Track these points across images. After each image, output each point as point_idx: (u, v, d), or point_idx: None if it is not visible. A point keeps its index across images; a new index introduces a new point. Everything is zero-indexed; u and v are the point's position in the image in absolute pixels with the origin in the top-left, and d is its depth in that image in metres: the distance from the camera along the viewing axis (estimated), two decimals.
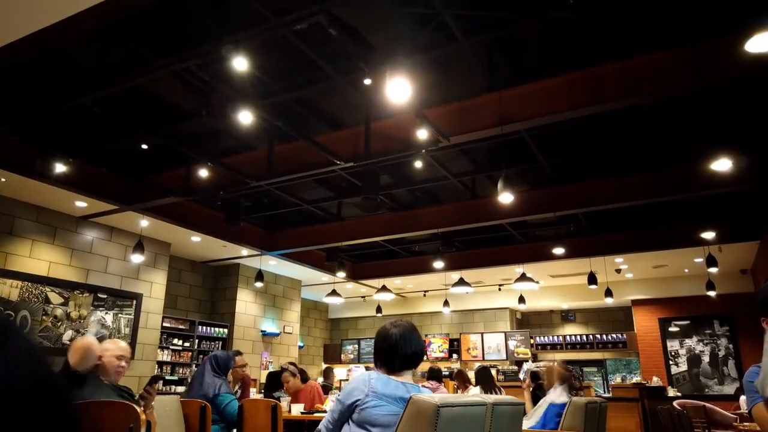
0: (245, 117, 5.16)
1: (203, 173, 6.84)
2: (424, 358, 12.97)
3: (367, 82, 4.97)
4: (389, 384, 2.20)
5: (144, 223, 8.23)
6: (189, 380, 9.54)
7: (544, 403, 4.52)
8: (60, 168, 6.07)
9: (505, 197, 5.52)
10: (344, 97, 5.67)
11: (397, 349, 2.28)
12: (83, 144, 6.39)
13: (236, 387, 5.30)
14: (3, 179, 6.63)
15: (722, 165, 5.75)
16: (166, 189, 7.13)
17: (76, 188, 6.85)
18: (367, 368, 6.47)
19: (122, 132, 6.20)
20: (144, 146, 6.52)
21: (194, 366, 10.22)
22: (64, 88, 5.05)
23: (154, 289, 9.17)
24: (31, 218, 7.54)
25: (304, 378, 5.99)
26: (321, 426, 2.32)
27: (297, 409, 5.22)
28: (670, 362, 11.63)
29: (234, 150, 6.79)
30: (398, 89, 4.16)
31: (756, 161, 6.27)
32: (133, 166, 7.08)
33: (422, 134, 5.45)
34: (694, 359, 11.47)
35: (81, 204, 7.51)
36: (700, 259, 9.57)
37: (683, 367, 11.51)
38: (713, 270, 8.93)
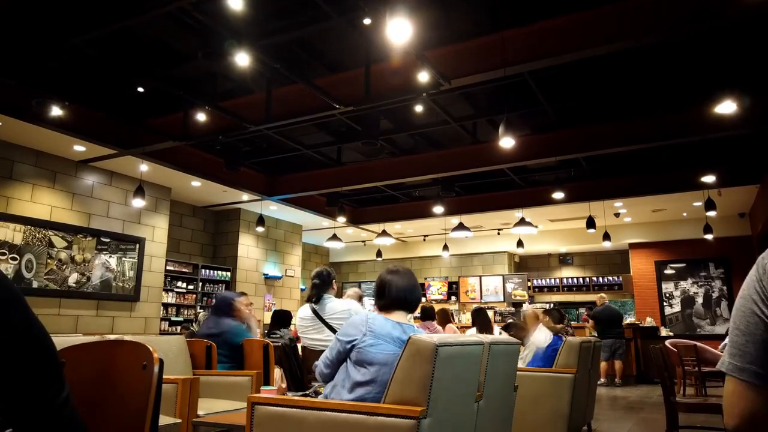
0: (242, 59, 5.06)
1: (201, 117, 6.76)
2: (422, 300, 13.08)
3: (367, 21, 4.84)
4: (386, 324, 2.28)
5: (143, 167, 8.22)
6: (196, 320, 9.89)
7: (532, 345, 4.73)
8: (56, 111, 5.99)
9: (506, 142, 5.49)
10: (343, 38, 5.53)
11: (397, 293, 2.41)
12: (79, 88, 6.28)
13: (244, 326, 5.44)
14: (0, 123, 6.57)
15: (726, 108, 5.68)
16: (165, 133, 7.06)
17: (74, 132, 6.79)
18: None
19: (118, 75, 6.08)
20: (140, 89, 6.42)
21: (198, 308, 10.51)
22: (56, 29, 4.92)
23: (156, 233, 9.26)
24: (30, 162, 7.52)
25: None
26: (319, 362, 2.39)
27: None
28: (664, 303, 11.90)
29: (232, 93, 6.68)
30: (398, 29, 4.05)
31: (760, 104, 6.18)
32: (131, 110, 6.99)
33: (423, 77, 5.35)
34: (687, 300, 11.72)
35: (79, 148, 7.47)
36: (699, 203, 9.61)
37: (677, 308, 11.78)
38: (711, 213, 8.99)
